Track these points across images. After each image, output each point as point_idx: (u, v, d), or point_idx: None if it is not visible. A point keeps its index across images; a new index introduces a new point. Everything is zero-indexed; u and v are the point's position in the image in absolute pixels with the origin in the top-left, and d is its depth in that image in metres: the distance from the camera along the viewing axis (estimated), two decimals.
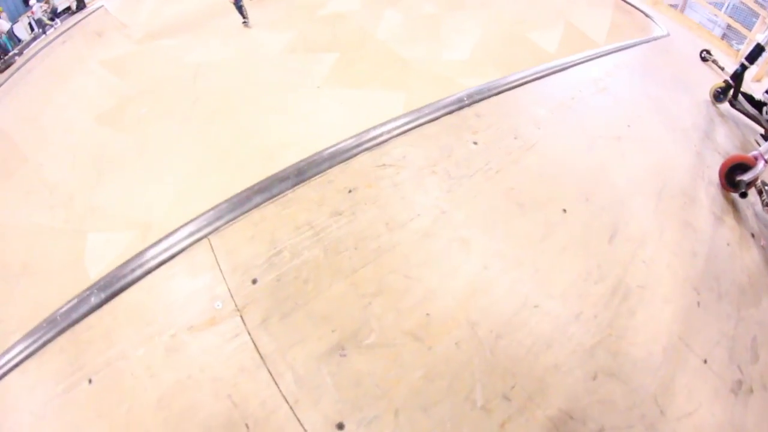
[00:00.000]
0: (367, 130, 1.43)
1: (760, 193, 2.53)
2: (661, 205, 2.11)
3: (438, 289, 1.25)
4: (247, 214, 1.36)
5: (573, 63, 2.37)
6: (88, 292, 1.61)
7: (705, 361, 1.93)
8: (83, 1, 15.52)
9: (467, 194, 1.42)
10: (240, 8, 7.22)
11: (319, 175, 1.33)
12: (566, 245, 1.52)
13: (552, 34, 5.34)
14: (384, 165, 1.36)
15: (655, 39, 3.90)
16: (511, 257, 1.39)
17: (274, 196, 1.34)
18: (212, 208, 1.43)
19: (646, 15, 5.14)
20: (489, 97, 1.72)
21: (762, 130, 3.11)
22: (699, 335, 1.97)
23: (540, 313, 1.36)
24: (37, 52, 6.66)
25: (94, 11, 9.41)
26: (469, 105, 1.63)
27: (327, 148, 1.37)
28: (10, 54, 10.67)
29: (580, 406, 1.43)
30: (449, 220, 1.35)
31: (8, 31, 14.27)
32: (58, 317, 1.59)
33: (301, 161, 1.36)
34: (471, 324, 1.24)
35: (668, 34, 4.33)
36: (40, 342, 1.57)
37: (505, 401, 1.29)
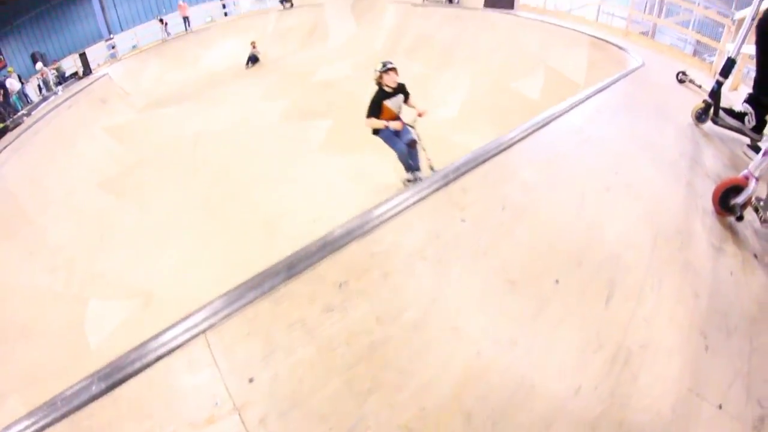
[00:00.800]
0: (357, 216, 1.47)
1: (756, 210, 2.48)
2: (656, 251, 2.10)
3: (432, 380, 1.25)
4: (241, 310, 1.39)
5: (554, 116, 2.40)
6: (89, 380, 1.62)
7: (720, 407, 1.86)
8: (89, 68, 16.28)
9: (458, 278, 1.44)
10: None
11: (310, 268, 1.36)
12: (562, 317, 1.52)
13: (534, 81, 5.50)
14: (373, 254, 1.38)
15: (631, 71, 3.96)
16: (504, 339, 1.39)
17: (267, 291, 1.37)
18: (207, 304, 1.45)
19: (620, 48, 5.27)
20: (475, 167, 1.75)
21: (748, 140, 3.11)
22: (710, 381, 1.92)
23: (536, 394, 1.35)
24: (44, 115, 6.89)
25: (99, 78, 9.82)
26: (455, 179, 1.66)
27: (317, 240, 1.41)
28: (19, 114, 11.13)
29: None
30: (441, 307, 1.36)
31: (19, 91, 14.93)
32: (58, 402, 1.59)
33: (291, 255, 1.39)
34: (466, 414, 1.23)
35: (643, 64, 4.41)
36: (39, 425, 1.56)
37: None
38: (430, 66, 6.87)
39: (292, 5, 14.65)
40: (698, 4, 17.88)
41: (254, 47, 11.94)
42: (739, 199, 2.35)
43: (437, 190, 1.60)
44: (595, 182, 2.14)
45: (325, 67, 8.88)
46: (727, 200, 2.46)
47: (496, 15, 7.28)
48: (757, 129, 3.03)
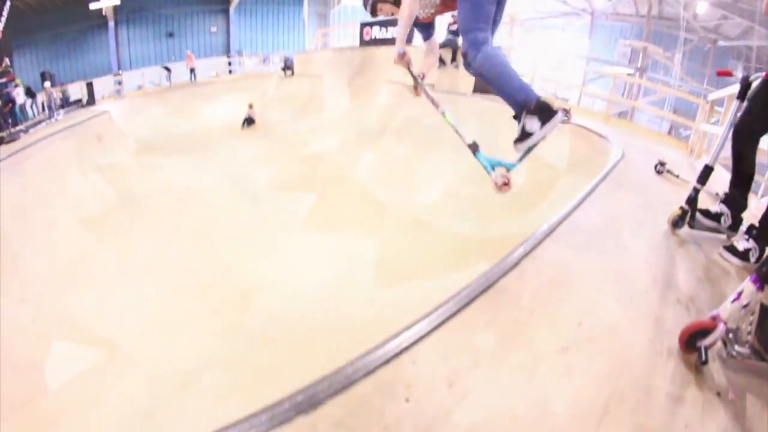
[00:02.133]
0: (288, 398, 1.45)
1: (724, 344, 2.41)
2: (605, 421, 2.05)
3: None
4: None
5: (524, 253, 2.41)
6: None
7: None
8: (93, 98, 16.86)
9: None
10: None
11: None
12: None
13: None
14: None
15: (611, 169, 3.98)
16: None
17: None
18: None
19: (601, 136, 5.42)
20: (429, 333, 1.77)
21: (724, 237, 3.14)
22: None
23: None
24: (39, 140, 6.91)
25: (99, 114, 9.98)
26: (408, 349, 1.67)
27: None
28: (17, 129, 11.30)
29: None
30: None
31: (22, 104, 15.31)
32: None
33: None
34: None
35: (623, 155, 4.47)
36: None
37: None
38: (417, 149, 7.10)
39: (293, 74, 15.55)
40: (673, 85, 18.97)
41: (251, 108, 12.46)
42: (706, 342, 2.28)
43: (387, 362, 1.60)
44: (553, 340, 2.14)
45: (317, 139, 9.26)
46: (695, 341, 2.41)
47: (484, 102, 7.56)
48: (733, 227, 3.10)
